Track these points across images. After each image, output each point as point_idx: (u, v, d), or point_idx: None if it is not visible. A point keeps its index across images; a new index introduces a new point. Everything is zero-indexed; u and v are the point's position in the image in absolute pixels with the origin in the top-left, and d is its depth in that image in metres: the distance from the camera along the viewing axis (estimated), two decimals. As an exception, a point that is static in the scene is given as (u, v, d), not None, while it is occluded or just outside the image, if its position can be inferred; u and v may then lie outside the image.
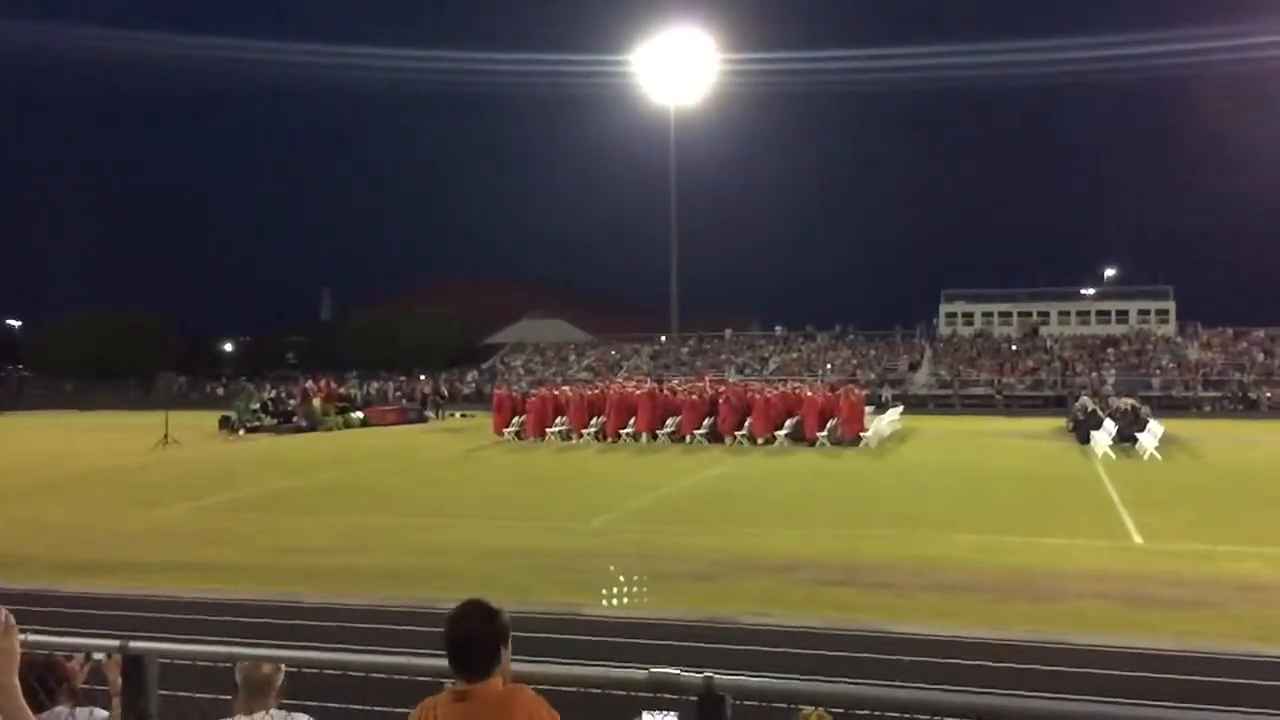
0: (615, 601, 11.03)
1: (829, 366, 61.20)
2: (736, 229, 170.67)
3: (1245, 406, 49.93)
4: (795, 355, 65.22)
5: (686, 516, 17.11)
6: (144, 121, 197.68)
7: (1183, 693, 7.89)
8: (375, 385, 54.15)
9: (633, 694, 2.91)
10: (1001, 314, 68.69)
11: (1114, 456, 26.46)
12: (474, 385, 63.39)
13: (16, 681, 2.49)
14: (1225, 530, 15.25)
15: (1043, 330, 66.02)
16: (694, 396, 33.33)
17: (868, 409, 34.81)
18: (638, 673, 2.83)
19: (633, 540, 14.62)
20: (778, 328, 72.94)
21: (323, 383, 47.48)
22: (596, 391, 35.33)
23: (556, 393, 35.81)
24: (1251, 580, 11.86)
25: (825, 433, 30.64)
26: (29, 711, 2.55)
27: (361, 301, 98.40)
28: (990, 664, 8.70)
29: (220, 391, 63.67)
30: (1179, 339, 61.70)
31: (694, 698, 2.73)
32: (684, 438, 31.68)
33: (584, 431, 32.70)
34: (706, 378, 44.69)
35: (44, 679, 3.63)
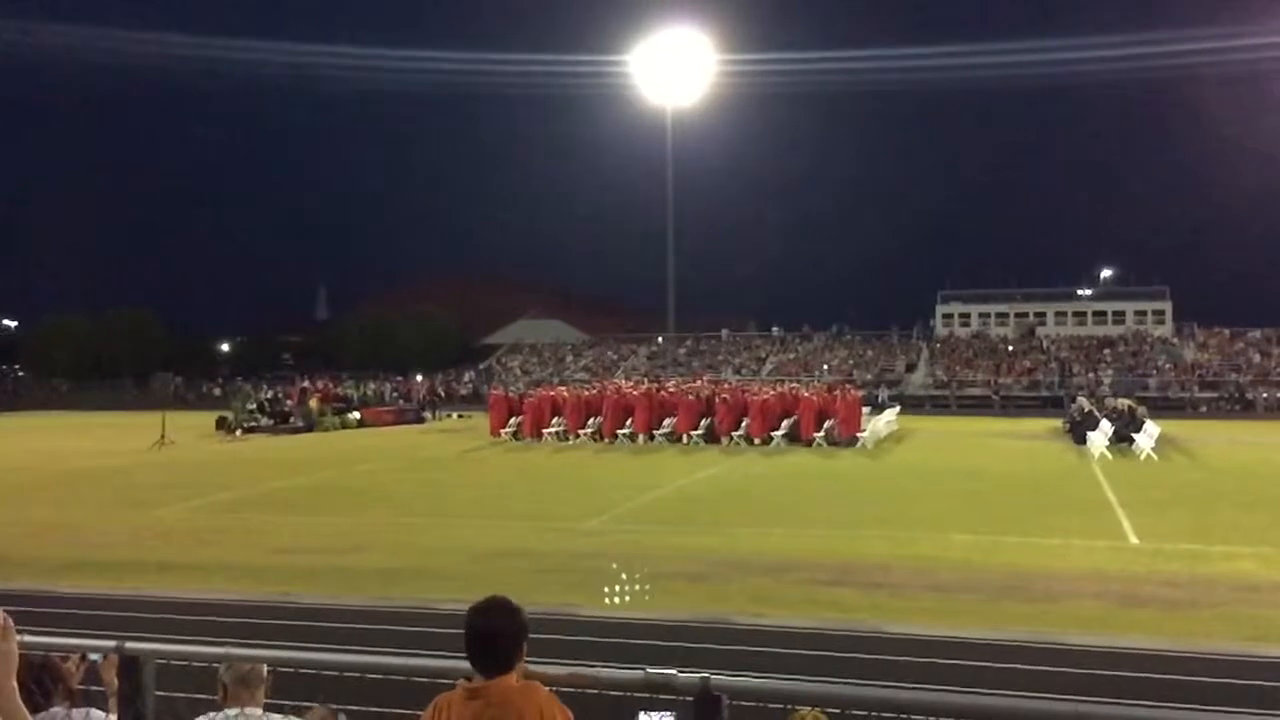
0: (614, 594, 11.04)
1: (826, 367, 61.25)
2: (733, 229, 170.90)
3: (1241, 407, 50.03)
4: (792, 356, 65.27)
5: (683, 517, 17.12)
6: (140, 121, 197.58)
7: (1178, 693, 7.91)
8: (372, 386, 54.12)
9: (629, 694, 2.91)
10: (998, 315, 68.78)
11: (1110, 457, 26.49)
12: (471, 386, 63.38)
13: (15, 684, 2.49)
14: (1221, 531, 15.29)
15: (1039, 331, 66.11)
16: (690, 397, 33.37)
17: (864, 409, 34.86)
18: (634, 673, 2.83)
19: (629, 540, 14.62)
20: (774, 328, 72.95)
21: (319, 383, 47.48)
22: (593, 392, 35.35)
23: (553, 393, 35.84)
24: (1247, 580, 11.88)
25: (822, 433, 30.66)
26: (27, 713, 2.55)
27: (358, 302, 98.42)
28: (986, 664, 8.71)
29: (217, 392, 63.60)
30: (1175, 340, 61.80)
31: (690, 698, 2.74)
32: (681, 438, 31.70)
33: (581, 432, 32.71)
34: (703, 378, 44.72)
35: (40, 680, 3.63)
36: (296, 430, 38.85)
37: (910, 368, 61.88)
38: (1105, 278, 75.40)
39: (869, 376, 58.76)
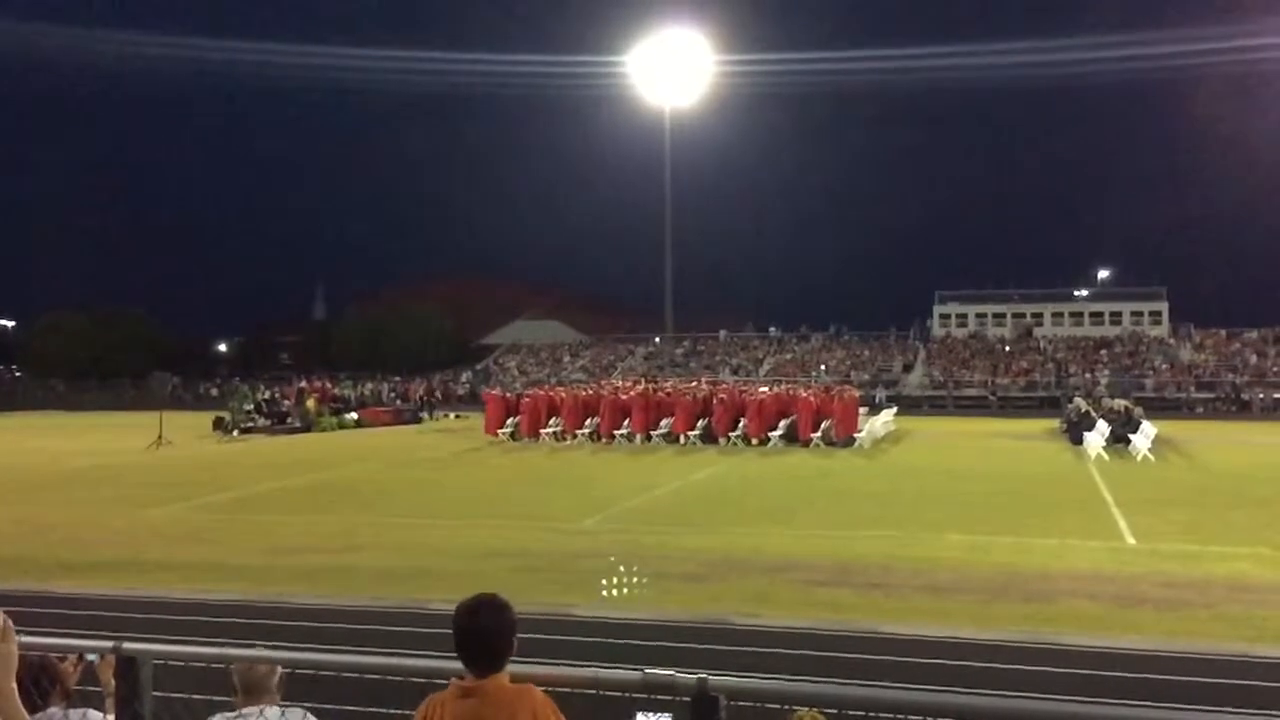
0: (613, 587, 11.05)
1: (823, 367, 61.29)
2: (731, 230, 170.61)
3: (1238, 408, 50.12)
4: (789, 356, 65.30)
5: (680, 517, 17.12)
6: (136, 120, 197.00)
7: (1175, 693, 7.92)
8: (369, 386, 54.10)
9: (626, 695, 2.92)
10: (995, 315, 68.84)
11: (1107, 458, 26.52)
12: (468, 386, 63.35)
13: (14, 685, 2.49)
14: (1217, 531, 15.31)
15: (1036, 332, 66.19)
16: (687, 397, 33.38)
17: (862, 410, 34.90)
18: (631, 673, 2.84)
19: (626, 541, 14.62)
20: (772, 329, 73.03)
21: (317, 383, 47.45)
22: (591, 392, 35.36)
23: (551, 393, 35.85)
24: (1243, 581, 11.90)
25: (819, 434, 30.68)
26: (26, 715, 2.55)
27: (356, 302, 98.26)
28: (982, 664, 8.72)
29: (214, 392, 63.56)
30: (1172, 340, 61.90)
31: (688, 698, 2.74)
32: (678, 438, 31.72)
33: (578, 432, 32.72)
34: (702, 379, 44.74)
35: (37, 680, 3.63)
36: (294, 430, 38.85)
37: (907, 368, 61.94)
38: (1102, 278, 75.61)
39: (866, 377, 58.82)
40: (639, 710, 3.03)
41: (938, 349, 64.53)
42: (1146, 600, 11.01)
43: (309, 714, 4.08)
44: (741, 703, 2.74)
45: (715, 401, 32.72)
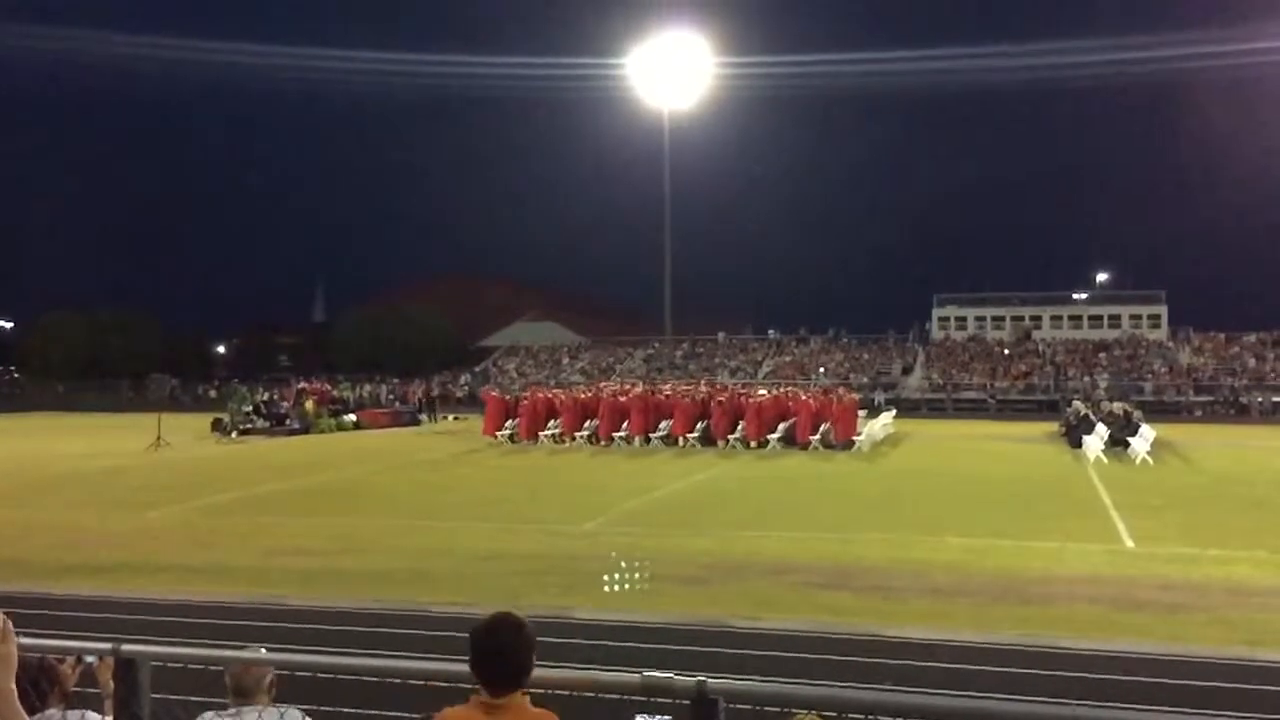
0: (613, 584, 11.04)
1: (822, 370, 61.32)
2: (730, 232, 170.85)
3: (1237, 411, 50.17)
4: (788, 359, 65.33)
5: (679, 520, 17.11)
6: (135, 121, 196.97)
7: (1173, 697, 7.92)
8: (368, 388, 54.09)
9: (626, 698, 2.92)
10: (994, 318, 68.91)
11: (1106, 461, 26.53)
12: (467, 388, 63.34)
13: (13, 687, 2.49)
14: (1216, 534, 15.31)
15: (1035, 334, 66.26)
16: (686, 399, 33.38)
17: (860, 413, 34.88)
18: (631, 676, 2.84)
19: (626, 543, 14.61)
20: (771, 331, 73.04)
21: (315, 385, 47.41)
22: (589, 394, 35.34)
23: (549, 395, 35.84)
24: (1241, 584, 11.90)
25: (818, 436, 30.68)
26: (25, 717, 2.55)
27: (355, 304, 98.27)
28: (981, 667, 8.71)
29: (212, 394, 63.53)
30: (1171, 344, 61.96)
31: (687, 701, 2.74)
32: (677, 441, 31.71)
33: (577, 434, 32.71)
34: (701, 382, 44.74)
35: (36, 682, 3.62)
36: (292, 432, 38.82)
37: (906, 371, 61.98)
38: (1101, 281, 75.67)
39: (865, 379, 58.85)
40: (638, 713, 3.03)
41: (937, 352, 64.56)
42: (1145, 603, 11.01)
43: (306, 717, 4.08)
44: (740, 705, 2.75)
45: (714, 404, 32.71)
